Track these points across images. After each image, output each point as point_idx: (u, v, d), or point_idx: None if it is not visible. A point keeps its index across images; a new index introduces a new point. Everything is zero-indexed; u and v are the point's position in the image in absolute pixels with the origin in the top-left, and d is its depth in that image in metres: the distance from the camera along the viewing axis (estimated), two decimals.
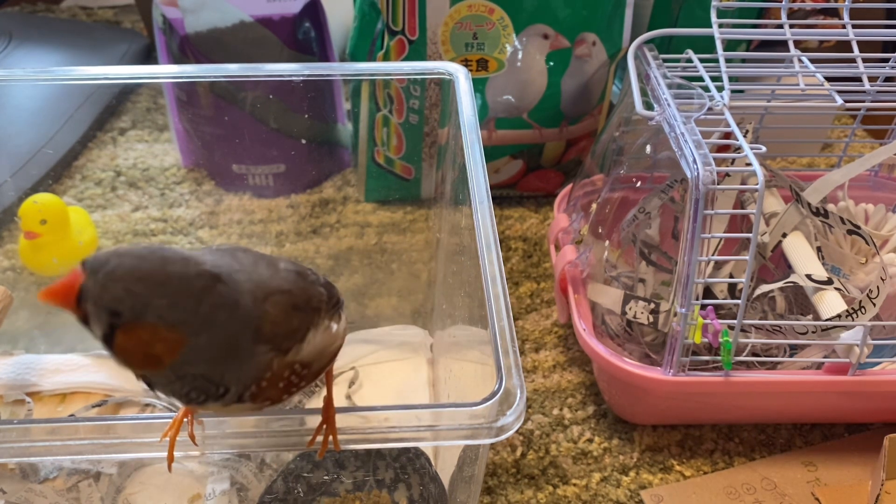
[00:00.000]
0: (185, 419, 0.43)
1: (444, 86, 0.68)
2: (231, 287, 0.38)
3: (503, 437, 0.43)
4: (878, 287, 0.64)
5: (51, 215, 0.76)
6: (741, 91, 0.72)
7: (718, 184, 0.58)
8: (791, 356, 0.69)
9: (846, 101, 0.65)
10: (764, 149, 0.61)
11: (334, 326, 0.45)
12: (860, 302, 0.63)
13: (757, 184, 0.58)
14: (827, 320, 0.63)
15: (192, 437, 0.43)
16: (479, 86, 0.86)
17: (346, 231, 0.89)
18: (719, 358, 0.63)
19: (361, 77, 0.81)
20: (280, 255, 0.45)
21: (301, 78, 0.69)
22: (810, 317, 0.68)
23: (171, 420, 0.43)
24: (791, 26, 0.69)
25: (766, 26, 0.89)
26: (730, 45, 0.84)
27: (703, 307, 0.62)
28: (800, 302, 0.71)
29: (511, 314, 0.47)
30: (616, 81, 0.93)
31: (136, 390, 0.72)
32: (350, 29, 0.90)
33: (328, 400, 0.45)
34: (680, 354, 0.62)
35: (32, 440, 0.42)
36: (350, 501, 0.57)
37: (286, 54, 0.89)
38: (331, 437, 0.44)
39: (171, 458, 0.43)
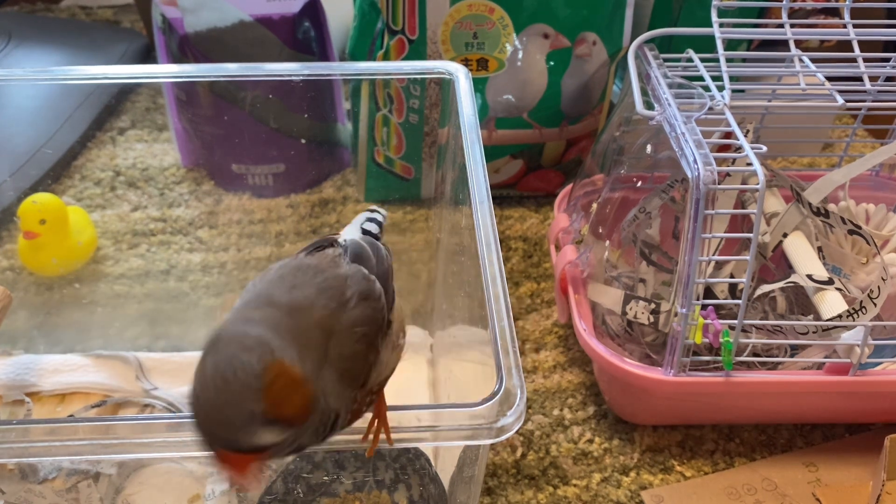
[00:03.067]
0: None
1: (444, 85, 0.68)
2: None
3: (503, 437, 0.43)
4: (878, 287, 0.64)
5: (50, 215, 0.76)
6: (742, 91, 0.72)
7: (719, 184, 0.58)
8: (792, 356, 0.68)
9: (847, 101, 0.65)
10: (765, 148, 0.61)
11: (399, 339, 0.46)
12: (861, 302, 0.63)
13: (758, 183, 0.58)
14: (828, 320, 0.63)
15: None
16: (479, 85, 0.86)
17: None
18: (720, 358, 0.63)
19: (361, 77, 0.81)
20: (347, 274, 0.44)
21: (301, 78, 0.69)
22: (811, 317, 0.68)
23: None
24: (792, 26, 0.69)
25: (766, 26, 0.89)
26: (730, 44, 0.83)
27: (704, 307, 0.62)
28: (801, 302, 0.71)
29: (511, 314, 0.47)
30: (616, 81, 0.93)
31: (135, 391, 0.72)
32: (350, 29, 0.90)
33: (380, 396, 0.45)
34: (680, 355, 0.62)
35: (32, 440, 0.42)
36: (350, 502, 0.56)
37: (286, 54, 0.89)
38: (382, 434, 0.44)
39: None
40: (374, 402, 0.43)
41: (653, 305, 0.66)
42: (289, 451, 0.39)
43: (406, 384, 0.74)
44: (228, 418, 0.36)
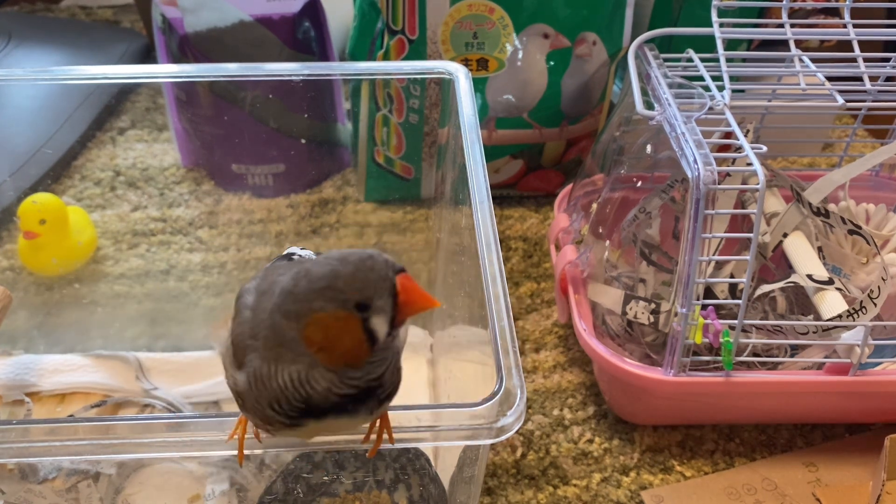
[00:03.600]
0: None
1: (444, 85, 0.68)
2: None
3: (503, 437, 0.43)
4: (878, 287, 0.64)
5: (50, 215, 0.76)
6: (742, 91, 0.72)
7: (719, 184, 0.58)
8: (792, 356, 0.68)
9: (847, 101, 0.65)
10: (765, 148, 0.61)
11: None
12: (861, 302, 0.63)
13: (758, 183, 0.58)
14: (828, 320, 0.63)
15: (257, 435, 0.43)
16: (479, 85, 0.86)
17: (345, 231, 0.88)
18: (720, 358, 0.63)
19: (361, 77, 0.81)
20: None
21: (301, 78, 0.69)
22: (811, 317, 0.68)
23: (234, 422, 0.43)
24: (792, 26, 0.69)
25: (766, 26, 0.89)
26: (730, 44, 0.83)
27: (704, 307, 0.62)
28: (801, 302, 0.71)
29: (511, 314, 0.47)
30: (616, 81, 0.93)
31: (135, 391, 0.72)
32: (350, 28, 0.90)
33: None
34: (680, 355, 0.62)
35: (31, 440, 0.42)
36: (350, 502, 0.56)
37: (286, 54, 0.89)
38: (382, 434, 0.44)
39: (241, 457, 0.43)
40: None
41: (653, 305, 0.66)
42: (384, 355, 0.40)
43: (406, 384, 0.73)
44: (380, 259, 0.38)
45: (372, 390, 0.40)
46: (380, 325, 0.38)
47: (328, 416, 0.40)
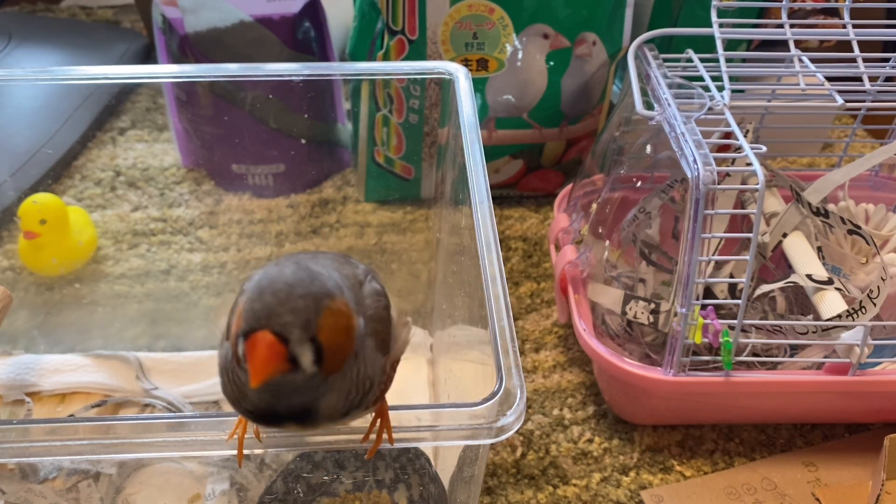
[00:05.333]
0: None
1: (444, 86, 0.68)
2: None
3: (503, 437, 0.43)
4: (878, 287, 0.64)
5: (50, 215, 0.76)
6: (741, 91, 0.72)
7: (719, 184, 0.58)
8: (791, 356, 0.68)
9: (847, 101, 0.65)
10: (764, 148, 0.61)
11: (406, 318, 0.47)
12: (860, 302, 0.63)
13: (757, 184, 0.58)
14: (827, 320, 0.63)
15: (258, 435, 0.43)
16: (479, 86, 0.86)
17: (345, 231, 0.88)
18: (720, 358, 0.63)
19: (361, 77, 0.81)
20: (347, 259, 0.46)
21: (301, 78, 0.69)
22: (811, 317, 0.68)
23: (234, 421, 0.43)
24: (791, 26, 0.69)
25: (766, 26, 0.89)
26: (730, 44, 0.83)
27: (704, 307, 0.62)
28: (800, 302, 0.71)
29: (511, 314, 0.47)
30: (616, 81, 0.93)
31: (135, 391, 0.72)
32: (350, 29, 0.90)
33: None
34: (680, 354, 0.62)
35: (32, 440, 0.42)
36: (350, 502, 0.57)
37: (286, 54, 0.89)
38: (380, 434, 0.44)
39: (240, 457, 0.43)
40: (391, 378, 0.43)
41: (652, 305, 0.67)
42: (304, 396, 0.38)
43: (406, 384, 0.74)
44: (296, 301, 0.36)
45: (303, 412, 0.39)
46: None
47: (286, 423, 0.39)
